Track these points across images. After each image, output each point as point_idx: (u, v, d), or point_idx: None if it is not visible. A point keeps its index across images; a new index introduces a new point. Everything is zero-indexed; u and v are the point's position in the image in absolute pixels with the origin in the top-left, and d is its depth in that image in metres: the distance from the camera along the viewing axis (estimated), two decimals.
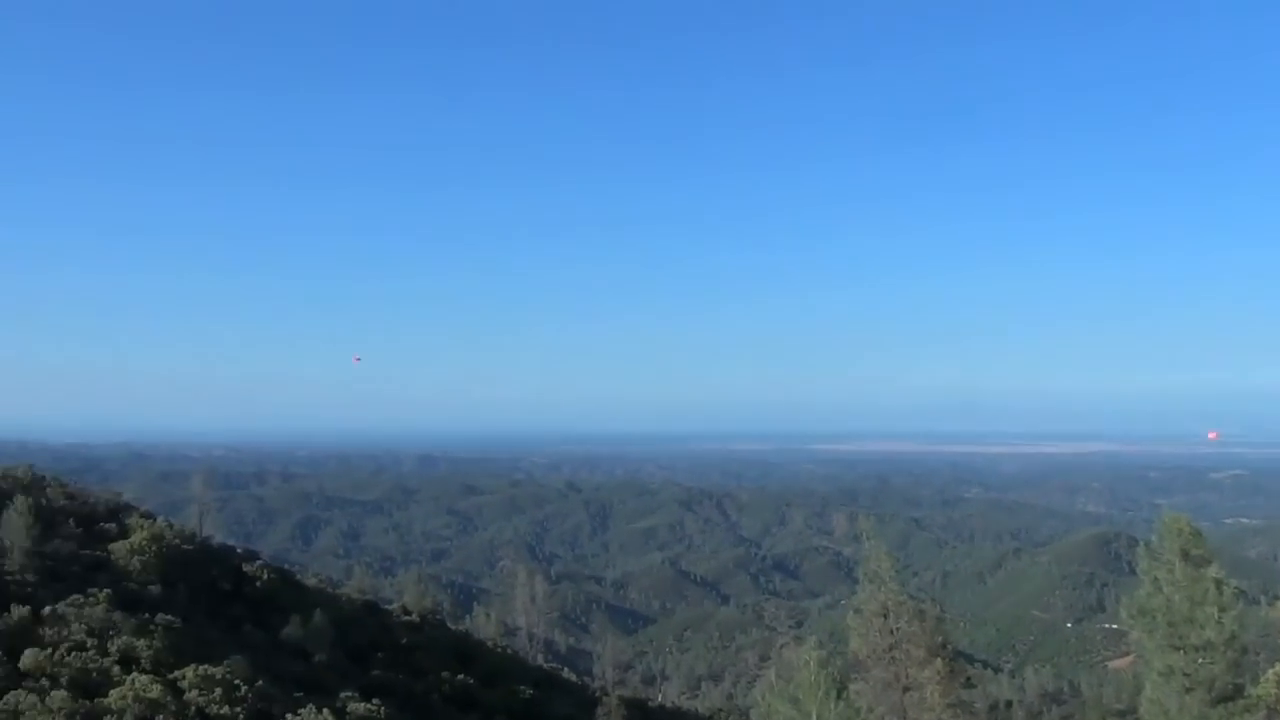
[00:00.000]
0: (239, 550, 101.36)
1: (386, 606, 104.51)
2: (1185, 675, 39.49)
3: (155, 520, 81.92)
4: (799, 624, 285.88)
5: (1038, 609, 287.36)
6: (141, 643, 50.62)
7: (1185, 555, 40.55)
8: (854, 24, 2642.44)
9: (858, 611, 52.31)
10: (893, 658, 50.24)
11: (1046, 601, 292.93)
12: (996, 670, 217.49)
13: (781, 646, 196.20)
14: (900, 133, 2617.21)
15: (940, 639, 51.70)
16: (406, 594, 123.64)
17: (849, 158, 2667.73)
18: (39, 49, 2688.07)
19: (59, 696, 41.52)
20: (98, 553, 68.17)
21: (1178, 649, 39.81)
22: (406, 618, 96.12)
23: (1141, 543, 44.75)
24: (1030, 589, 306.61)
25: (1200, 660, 39.41)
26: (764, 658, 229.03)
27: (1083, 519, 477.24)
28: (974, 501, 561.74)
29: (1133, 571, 59.31)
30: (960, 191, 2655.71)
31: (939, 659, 50.02)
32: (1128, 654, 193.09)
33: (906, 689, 50.01)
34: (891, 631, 50.39)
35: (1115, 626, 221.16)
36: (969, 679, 59.52)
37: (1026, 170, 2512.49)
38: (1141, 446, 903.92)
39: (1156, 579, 41.10)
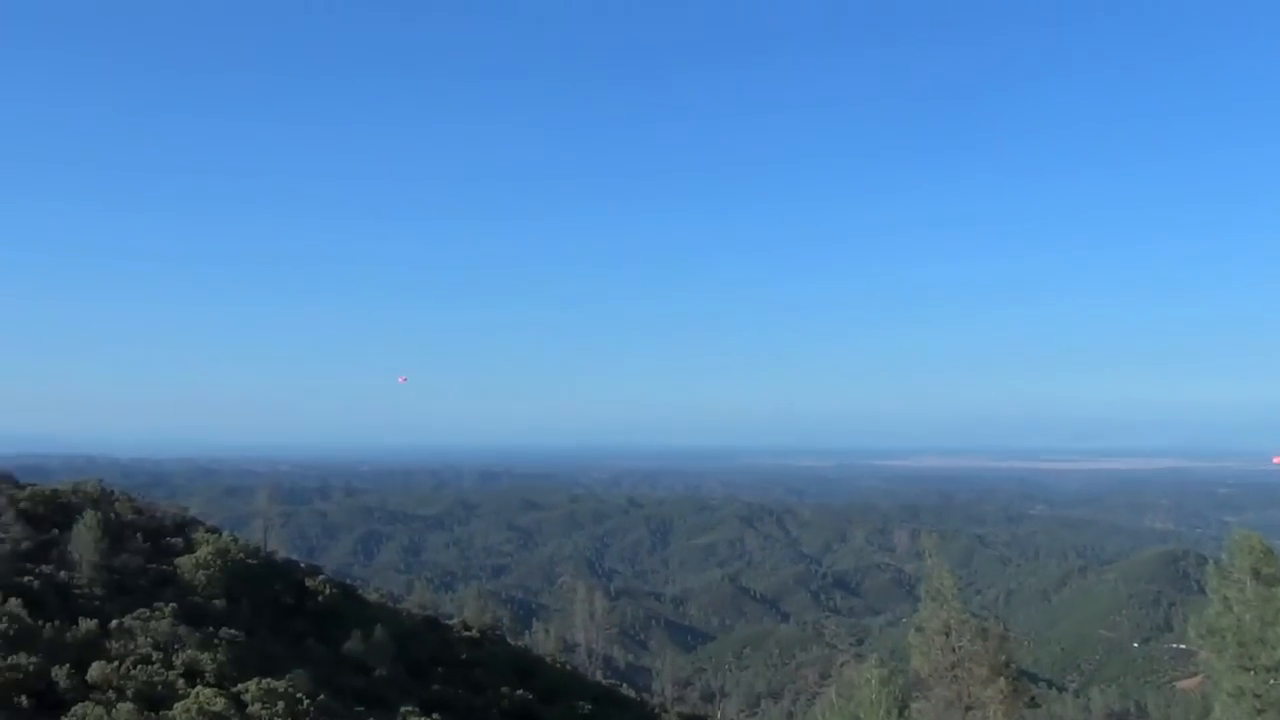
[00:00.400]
0: (302, 565, 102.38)
1: (447, 622, 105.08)
2: (1256, 696, 38.66)
3: (220, 535, 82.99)
4: (860, 642, 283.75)
5: (1104, 628, 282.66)
6: (206, 656, 51.25)
7: (1256, 574, 39.72)
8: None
9: (920, 629, 51.74)
10: (955, 676, 49.61)
11: (1113, 620, 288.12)
12: (1061, 690, 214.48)
13: (842, 664, 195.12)
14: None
15: (1004, 658, 50.96)
16: (467, 609, 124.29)
17: (907, 185, 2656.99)
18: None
19: (125, 709, 42.06)
20: (164, 567, 69.19)
21: (1248, 670, 38.99)
22: (466, 633, 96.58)
23: (1211, 561, 43.93)
24: (1096, 608, 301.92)
25: (1271, 681, 38.58)
26: (824, 676, 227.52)
27: (1150, 536, 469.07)
28: (1038, 518, 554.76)
29: (1202, 590, 58.20)
30: (1029, 220, 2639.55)
31: (1002, 678, 49.33)
32: (1196, 674, 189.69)
33: (969, 708, 49.35)
34: (954, 650, 49.76)
35: (1183, 646, 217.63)
36: (1033, 698, 58.64)
37: (1087, 199, 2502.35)
38: (1210, 462, 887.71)
39: (1226, 598, 40.29)
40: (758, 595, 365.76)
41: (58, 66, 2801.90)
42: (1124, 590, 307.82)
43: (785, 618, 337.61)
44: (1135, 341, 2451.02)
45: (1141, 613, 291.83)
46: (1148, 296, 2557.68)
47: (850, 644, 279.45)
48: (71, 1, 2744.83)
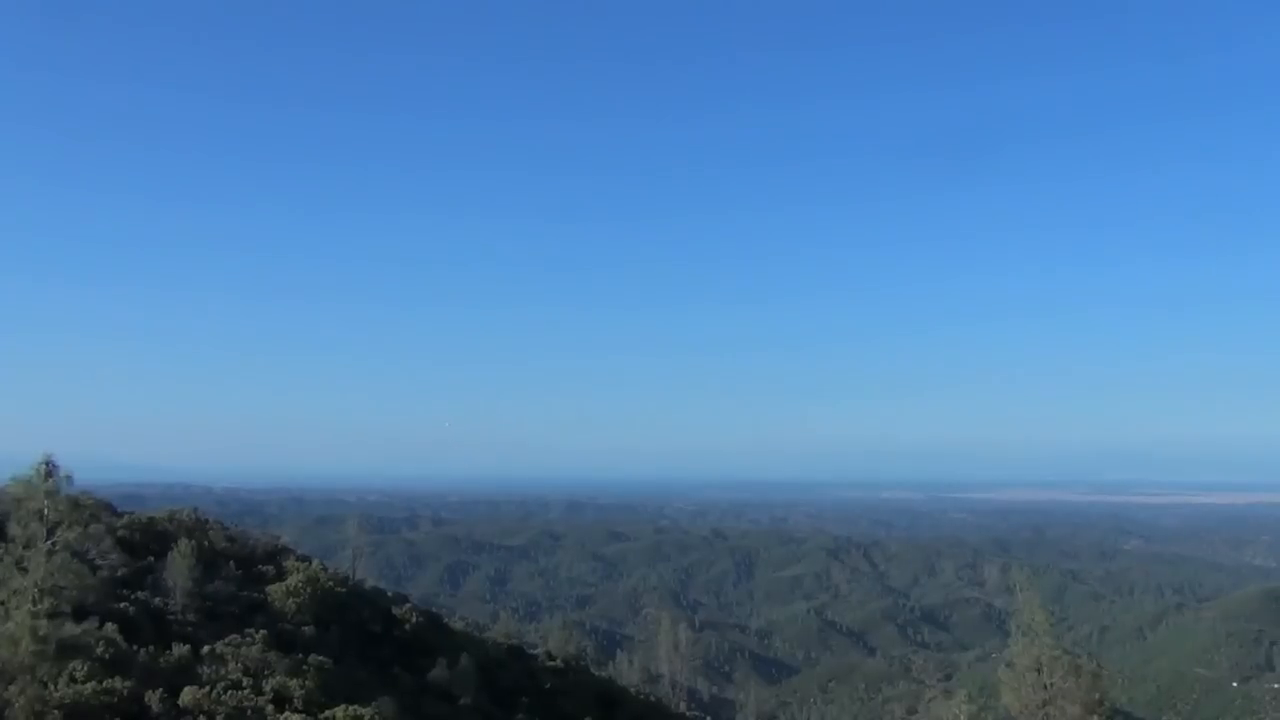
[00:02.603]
0: (389, 594, 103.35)
1: (531, 651, 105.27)
2: None
3: (310, 563, 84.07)
4: (948, 677, 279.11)
5: (1201, 667, 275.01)
6: (294, 682, 51.91)
7: None
8: None
9: (1010, 665, 50.92)
10: (1046, 714, 48.68)
11: (1211, 659, 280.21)
12: None
13: (930, 700, 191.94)
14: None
15: (1097, 695, 49.95)
16: (551, 639, 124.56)
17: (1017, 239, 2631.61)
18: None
19: None
20: (255, 594, 70.29)
21: None
22: (551, 663, 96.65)
23: None
24: (1193, 646, 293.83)
25: None
26: (911, 711, 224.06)
27: (1251, 573, 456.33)
28: (1133, 554, 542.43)
29: None
30: (1129, 258, 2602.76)
31: (1095, 716, 48.34)
32: None
33: None
34: (1045, 687, 48.86)
35: None
36: None
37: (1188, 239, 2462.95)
38: None
39: None
40: (844, 629, 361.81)
41: None
42: (1223, 628, 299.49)
43: (872, 652, 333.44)
44: (1232, 375, 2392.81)
45: (1241, 651, 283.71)
46: (1244, 330, 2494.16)
47: (938, 679, 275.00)
48: None
